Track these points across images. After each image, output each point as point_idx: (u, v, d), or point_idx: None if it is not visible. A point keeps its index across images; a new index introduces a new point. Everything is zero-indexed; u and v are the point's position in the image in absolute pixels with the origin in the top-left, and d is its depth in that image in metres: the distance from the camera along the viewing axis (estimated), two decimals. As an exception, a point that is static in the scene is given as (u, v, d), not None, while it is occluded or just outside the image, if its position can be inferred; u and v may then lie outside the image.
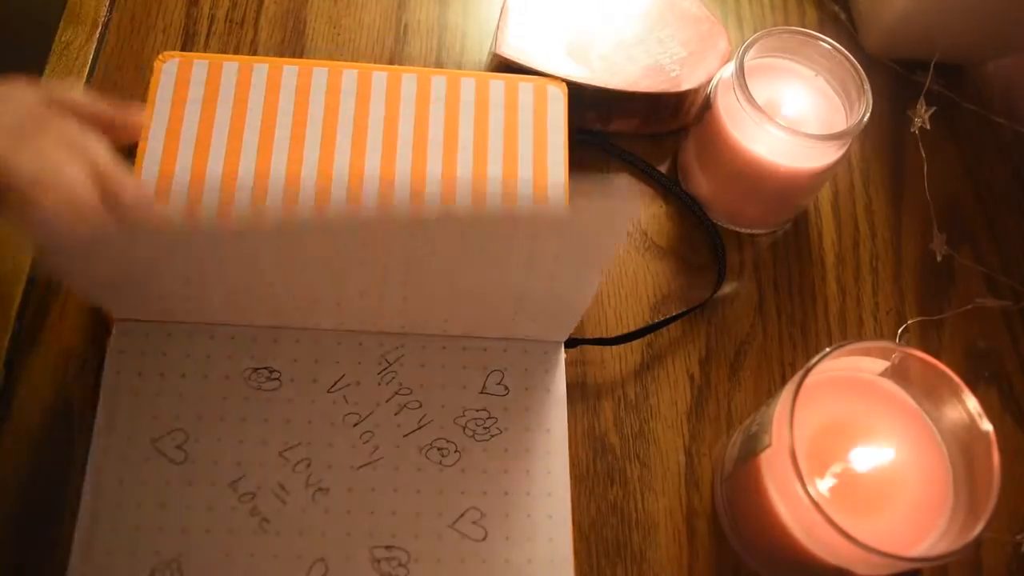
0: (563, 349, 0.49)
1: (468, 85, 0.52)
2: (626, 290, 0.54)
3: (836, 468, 0.43)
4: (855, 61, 0.52)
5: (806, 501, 0.39)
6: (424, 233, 0.40)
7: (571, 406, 0.49)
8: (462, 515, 0.45)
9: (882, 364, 0.44)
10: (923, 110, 0.59)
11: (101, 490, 0.43)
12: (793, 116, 0.52)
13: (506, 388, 0.48)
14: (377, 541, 0.44)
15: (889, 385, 0.45)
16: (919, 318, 0.56)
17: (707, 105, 0.54)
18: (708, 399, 0.52)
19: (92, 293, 0.46)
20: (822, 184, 0.57)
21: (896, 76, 0.64)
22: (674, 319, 0.53)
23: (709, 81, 0.56)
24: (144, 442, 0.45)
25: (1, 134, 0.40)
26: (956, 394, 0.42)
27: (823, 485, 0.42)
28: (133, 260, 0.42)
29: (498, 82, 0.52)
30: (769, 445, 0.42)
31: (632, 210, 0.48)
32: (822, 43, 0.53)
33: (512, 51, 0.55)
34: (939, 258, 0.58)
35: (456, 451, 0.46)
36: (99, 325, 0.48)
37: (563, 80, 0.53)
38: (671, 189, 0.57)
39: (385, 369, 0.48)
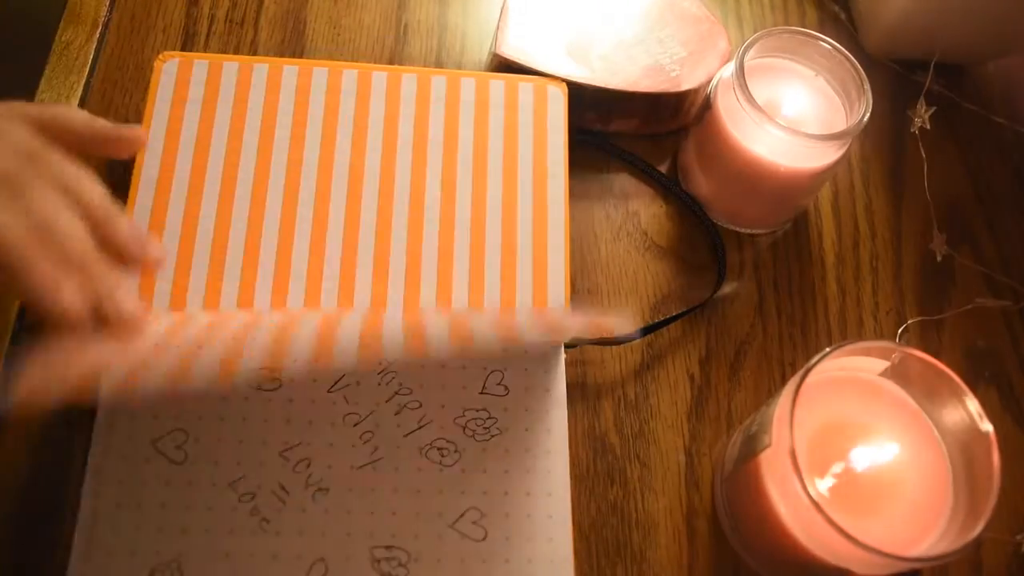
0: (563, 349, 0.49)
1: (468, 85, 0.52)
2: (626, 290, 0.54)
3: (836, 468, 0.43)
4: (855, 61, 0.52)
5: (806, 501, 0.39)
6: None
7: (571, 406, 0.49)
8: (462, 515, 0.45)
9: (882, 364, 0.44)
10: (923, 110, 0.59)
11: (101, 490, 0.43)
12: (793, 116, 0.52)
13: (506, 388, 0.48)
14: (377, 541, 0.44)
15: (889, 385, 0.45)
16: (919, 318, 0.56)
17: (707, 105, 0.54)
18: (708, 399, 0.52)
19: None
20: (822, 184, 0.57)
21: (896, 76, 0.64)
22: (674, 319, 0.53)
23: (709, 81, 0.56)
24: (144, 442, 0.44)
25: None
26: (956, 394, 0.42)
27: (823, 485, 0.42)
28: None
29: (498, 82, 0.52)
30: (769, 445, 0.42)
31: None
32: (822, 43, 0.53)
33: (512, 51, 0.55)
34: (939, 258, 0.58)
35: (456, 451, 0.46)
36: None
37: (563, 80, 0.53)
38: (671, 189, 0.57)
39: (385, 369, 0.48)
